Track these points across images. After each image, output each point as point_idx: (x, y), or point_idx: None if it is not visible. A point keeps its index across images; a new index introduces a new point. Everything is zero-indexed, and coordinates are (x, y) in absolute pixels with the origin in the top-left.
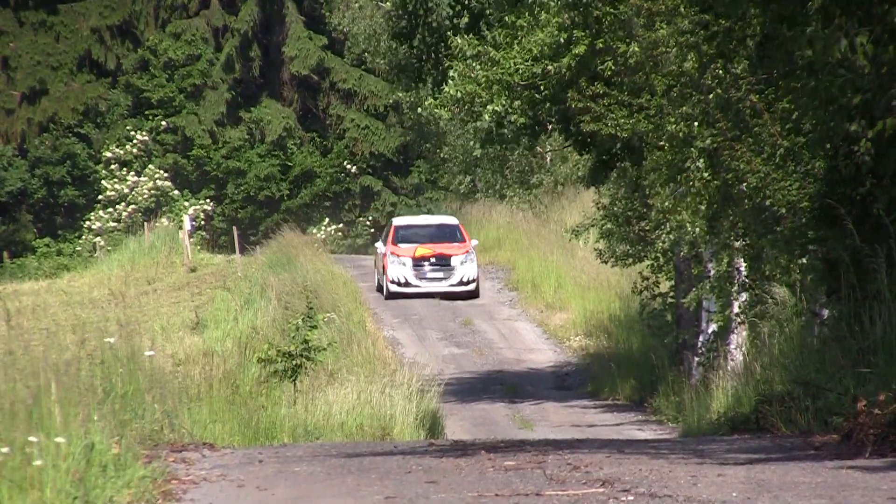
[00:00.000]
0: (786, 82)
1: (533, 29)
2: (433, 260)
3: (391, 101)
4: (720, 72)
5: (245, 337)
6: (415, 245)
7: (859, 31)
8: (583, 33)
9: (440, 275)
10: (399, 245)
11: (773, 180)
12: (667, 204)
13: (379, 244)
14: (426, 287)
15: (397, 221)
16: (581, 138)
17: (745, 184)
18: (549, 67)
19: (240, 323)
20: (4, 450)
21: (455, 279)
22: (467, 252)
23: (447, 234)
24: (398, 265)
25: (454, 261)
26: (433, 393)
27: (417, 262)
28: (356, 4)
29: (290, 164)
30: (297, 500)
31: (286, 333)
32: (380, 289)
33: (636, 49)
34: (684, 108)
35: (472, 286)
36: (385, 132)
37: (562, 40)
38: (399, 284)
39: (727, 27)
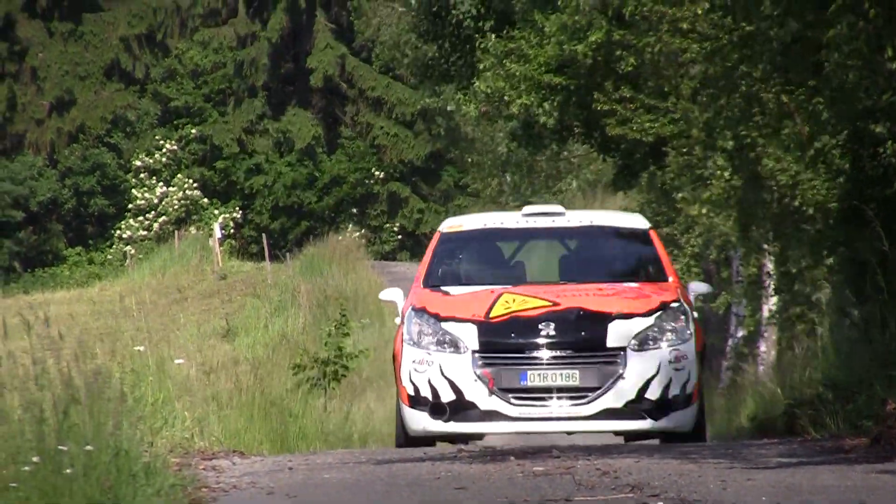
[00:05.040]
0: (816, 81)
1: (559, 34)
2: (550, 327)
3: (419, 108)
4: (745, 69)
5: (275, 344)
6: (491, 288)
7: (886, 29)
8: (603, 17)
9: (574, 378)
10: (440, 290)
11: (802, 178)
12: (693, 211)
13: (389, 292)
14: (527, 418)
15: (450, 225)
16: (606, 142)
17: (774, 183)
18: (576, 49)
19: (270, 330)
20: (35, 458)
21: (621, 392)
22: (672, 302)
23: (612, 260)
24: (433, 350)
25: (616, 329)
26: None
27: (495, 335)
28: (384, 10)
29: (318, 172)
30: None
31: (319, 340)
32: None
33: (657, 45)
34: (706, 114)
35: (682, 416)
36: (414, 139)
37: (580, 24)
38: (432, 409)
39: (750, 31)
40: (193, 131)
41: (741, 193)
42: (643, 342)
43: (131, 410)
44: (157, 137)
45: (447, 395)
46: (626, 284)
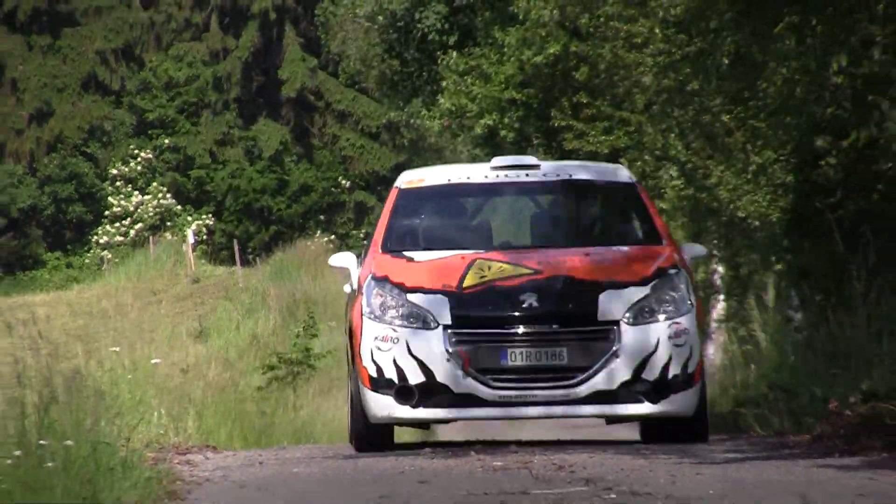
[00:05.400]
0: (758, 101)
1: (520, 47)
2: (533, 298)
3: (384, 121)
4: (695, 87)
5: (247, 345)
6: (459, 253)
7: (832, 45)
8: (561, 30)
9: (561, 356)
10: (403, 255)
11: (744, 193)
12: None
13: (340, 257)
14: (508, 402)
15: (409, 179)
16: (564, 153)
17: (718, 197)
18: (535, 61)
19: (241, 331)
20: (17, 453)
21: (615, 372)
22: (669, 268)
23: (598, 220)
24: (398, 326)
25: (608, 300)
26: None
27: (470, 308)
28: (351, 26)
29: (286, 178)
30: (295, 500)
31: (288, 341)
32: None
33: (608, 56)
34: (659, 126)
35: (683, 399)
36: (379, 150)
37: (541, 35)
38: (398, 393)
39: (701, 48)
40: (167, 141)
41: (691, 203)
42: (639, 314)
43: (108, 408)
44: (132, 147)
45: (415, 377)
46: (615, 248)
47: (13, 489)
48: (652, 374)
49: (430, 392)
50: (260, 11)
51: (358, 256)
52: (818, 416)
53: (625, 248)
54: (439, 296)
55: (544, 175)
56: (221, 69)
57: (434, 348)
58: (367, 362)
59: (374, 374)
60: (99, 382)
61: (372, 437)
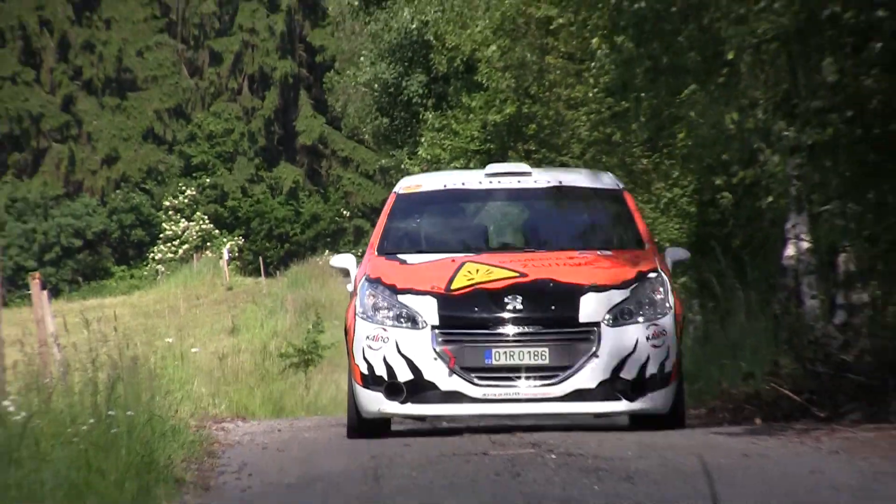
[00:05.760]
0: (669, 149)
1: (483, 109)
2: (517, 301)
3: (378, 166)
4: (619, 138)
5: (269, 338)
6: (450, 256)
7: (726, 105)
8: (515, 96)
9: (543, 356)
10: (397, 258)
11: (659, 223)
12: None
13: (341, 258)
14: (492, 399)
15: (407, 185)
16: None
17: None
18: (495, 119)
19: (265, 328)
20: (91, 420)
21: (594, 371)
22: (649, 272)
23: (584, 225)
24: (388, 325)
25: (589, 303)
26: None
27: (457, 309)
28: (352, 90)
29: (301, 209)
30: (306, 459)
31: (301, 335)
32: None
33: (551, 114)
34: (594, 168)
35: (659, 397)
36: (374, 187)
37: (499, 99)
38: (388, 389)
39: (624, 108)
40: (208, 180)
41: None
42: (618, 317)
43: (161, 386)
44: (180, 185)
45: (404, 375)
46: (599, 252)
47: (88, 449)
48: (630, 373)
49: (418, 389)
50: (280, 78)
51: (357, 258)
52: (713, 394)
53: (608, 252)
54: (428, 297)
55: (535, 182)
56: (255, 125)
57: (422, 348)
58: (359, 360)
59: (366, 372)
60: (154, 367)
61: (364, 429)
